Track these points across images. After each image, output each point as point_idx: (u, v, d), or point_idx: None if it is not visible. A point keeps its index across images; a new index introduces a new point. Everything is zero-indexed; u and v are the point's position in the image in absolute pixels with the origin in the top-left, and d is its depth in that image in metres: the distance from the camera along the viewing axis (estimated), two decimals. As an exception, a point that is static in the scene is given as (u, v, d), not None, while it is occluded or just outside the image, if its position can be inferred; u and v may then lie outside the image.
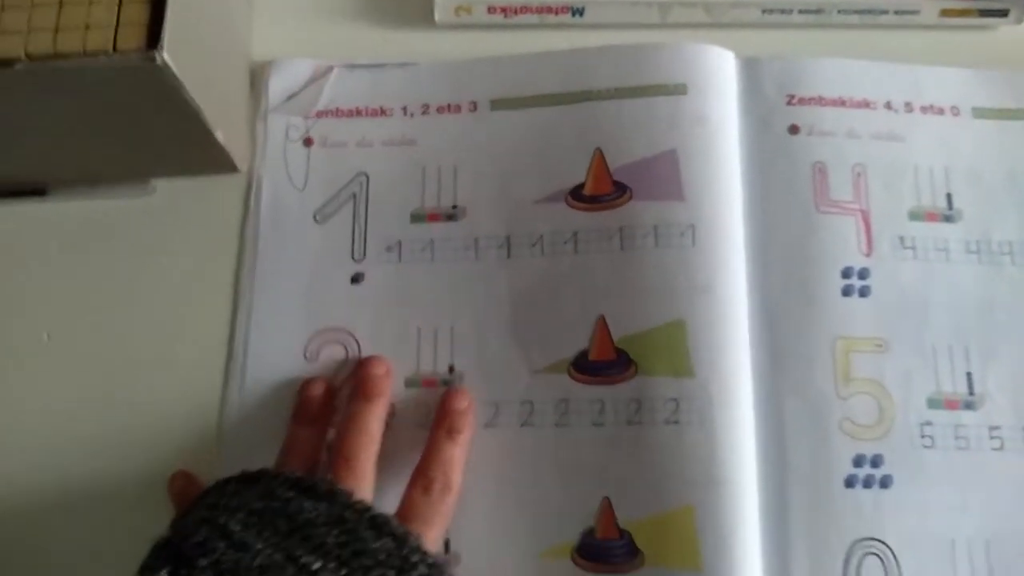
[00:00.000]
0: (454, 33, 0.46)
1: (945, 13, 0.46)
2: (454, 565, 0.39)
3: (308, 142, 0.45)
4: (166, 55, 0.34)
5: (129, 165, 0.43)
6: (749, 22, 0.46)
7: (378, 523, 0.33)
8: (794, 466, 0.39)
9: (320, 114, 0.45)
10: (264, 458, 0.39)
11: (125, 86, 0.36)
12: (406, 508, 0.37)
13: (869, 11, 0.45)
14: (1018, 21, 0.46)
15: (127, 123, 0.39)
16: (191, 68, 0.36)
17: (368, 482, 0.37)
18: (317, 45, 0.46)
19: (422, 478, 0.37)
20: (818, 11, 0.45)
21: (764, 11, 0.45)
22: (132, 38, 0.34)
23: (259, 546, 0.31)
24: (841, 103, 0.44)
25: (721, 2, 0.45)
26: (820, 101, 0.44)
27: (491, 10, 0.46)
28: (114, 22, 0.35)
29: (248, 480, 0.34)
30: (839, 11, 0.45)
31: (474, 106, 0.45)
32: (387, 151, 0.44)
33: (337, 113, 0.45)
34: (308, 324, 0.42)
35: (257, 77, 0.45)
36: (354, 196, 0.44)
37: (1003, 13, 0.46)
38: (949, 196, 0.43)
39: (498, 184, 0.43)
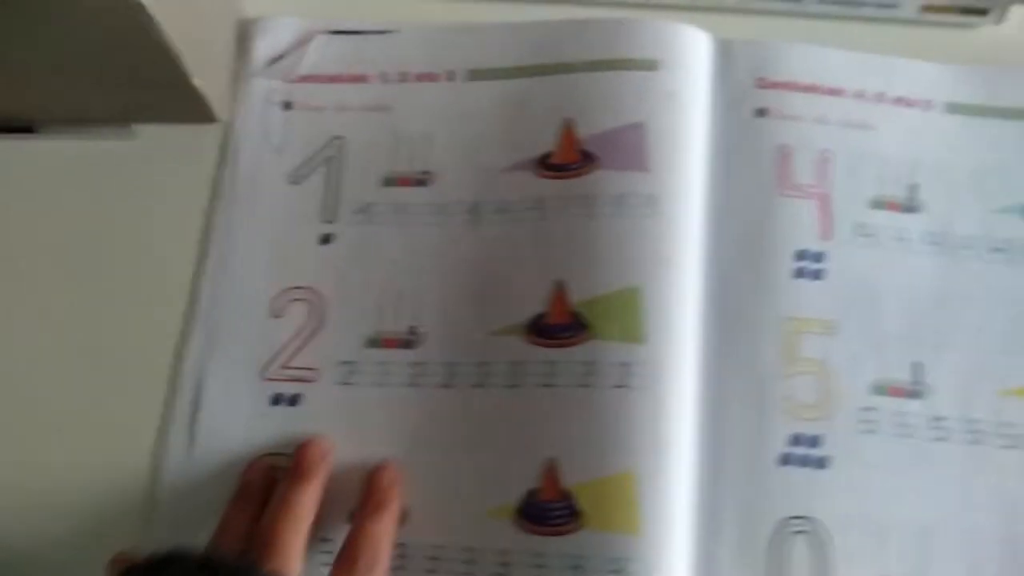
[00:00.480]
0: (438, 1, 0.47)
1: (926, 9, 0.46)
2: (402, 522, 0.39)
3: (288, 105, 0.46)
4: (143, -6, 0.36)
5: (112, 107, 0.44)
6: (729, 6, 0.46)
7: None
8: (731, 439, 0.39)
9: (301, 79, 0.46)
10: (229, 403, 0.41)
11: (105, 23, 0.37)
12: None
13: (848, 2, 0.46)
14: (998, 21, 0.46)
15: (109, 62, 0.40)
16: (170, 11, 0.37)
17: (293, 562, 0.35)
18: (306, 6, 0.47)
19: (347, 556, 0.36)
20: (798, -1, 0.46)
21: (744, -4, 0.46)
22: (111, -25, 0.36)
23: None
24: (812, 89, 0.44)
25: (702, -15, 0.46)
26: (790, 86, 0.44)
27: (476, -20, 0.47)
28: (95, -41, 0.36)
29: (157, 567, 0.33)
30: (819, 0, 0.46)
31: (451, 75, 0.46)
32: (364, 116, 0.45)
33: (318, 78, 0.46)
34: (276, 281, 0.43)
35: (244, 34, 0.47)
36: (328, 159, 0.45)
37: (983, 12, 0.46)
38: (913, 187, 0.43)
39: (469, 152, 0.44)
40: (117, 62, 0.40)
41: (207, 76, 0.42)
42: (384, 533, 0.37)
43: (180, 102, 0.43)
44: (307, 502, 0.37)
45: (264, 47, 0.46)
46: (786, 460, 0.39)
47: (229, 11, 0.46)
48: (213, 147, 0.45)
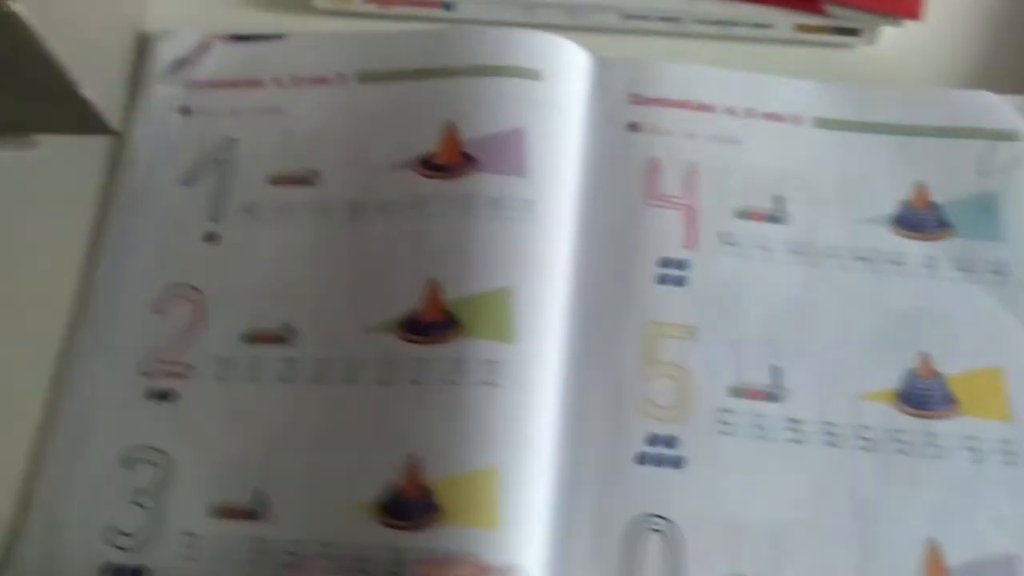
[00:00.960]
0: (333, 19, 0.49)
1: (799, 28, 0.48)
2: (262, 517, 0.39)
3: (186, 111, 0.47)
4: (20, 5, 0.37)
5: (9, 116, 0.46)
6: (609, 26, 0.48)
7: None
8: (589, 438, 0.40)
9: (200, 85, 0.48)
10: (105, 397, 0.41)
11: (-15, 33, 0.39)
12: None
13: (725, 23, 0.47)
14: (869, 41, 0.48)
15: (-3, 72, 0.42)
16: (52, 20, 0.39)
17: None
18: (206, 24, 0.49)
19: None
20: (676, 19, 0.47)
21: (623, 16, 0.48)
22: (-13, -15, 0.37)
23: None
24: (682, 105, 0.45)
25: (583, 5, 0.47)
26: (662, 102, 0.46)
27: (368, -1, 0.49)
28: (-28, -32, 0.37)
29: None
30: (696, 21, 0.47)
31: (342, 78, 0.47)
32: (256, 119, 0.47)
33: (216, 84, 0.48)
34: (160, 279, 0.44)
35: (143, 46, 0.48)
36: (219, 160, 0.46)
37: (855, 32, 0.47)
38: (779, 199, 0.44)
39: (355, 151, 0.45)
40: (3, 72, 0.42)
41: (99, 87, 0.44)
42: None
43: (72, 113, 0.44)
44: None
45: (165, 53, 0.48)
46: (643, 459, 0.40)
47: (123, 22, 0.48)
48: (111, 156, 0.46)
